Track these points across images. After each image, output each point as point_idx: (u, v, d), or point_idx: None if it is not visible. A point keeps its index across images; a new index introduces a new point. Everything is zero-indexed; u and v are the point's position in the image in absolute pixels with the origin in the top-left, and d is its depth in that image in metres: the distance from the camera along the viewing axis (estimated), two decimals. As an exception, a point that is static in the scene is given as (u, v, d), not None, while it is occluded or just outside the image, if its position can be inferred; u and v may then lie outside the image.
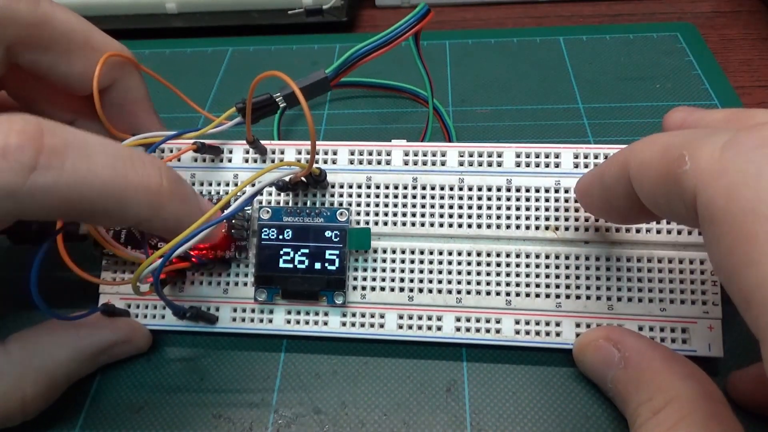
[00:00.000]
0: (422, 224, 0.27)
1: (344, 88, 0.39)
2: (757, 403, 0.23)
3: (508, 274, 0.26)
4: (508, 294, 0.26)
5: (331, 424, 0.25)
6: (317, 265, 0.26)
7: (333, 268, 0.26)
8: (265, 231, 0.27)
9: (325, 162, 0.28)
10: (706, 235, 0.16)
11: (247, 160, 0.28)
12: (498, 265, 0.26)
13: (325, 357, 0.27)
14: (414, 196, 0.27)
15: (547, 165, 0.26)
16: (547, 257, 0.26)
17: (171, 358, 0.27)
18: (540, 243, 0.26)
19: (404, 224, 0.27)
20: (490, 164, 0.27)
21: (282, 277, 0.26)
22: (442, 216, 0.27)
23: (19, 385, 0.22)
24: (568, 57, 0.41)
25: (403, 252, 0.27)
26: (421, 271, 0.26)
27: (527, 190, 0.26)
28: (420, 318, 0.26)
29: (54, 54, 0.25)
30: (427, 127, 0.33)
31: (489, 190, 0.27)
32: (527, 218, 0.26)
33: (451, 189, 0.27)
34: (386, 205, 0.27)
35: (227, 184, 0.28)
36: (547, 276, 0.26)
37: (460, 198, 0.27)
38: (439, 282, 0.26)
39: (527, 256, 0.26)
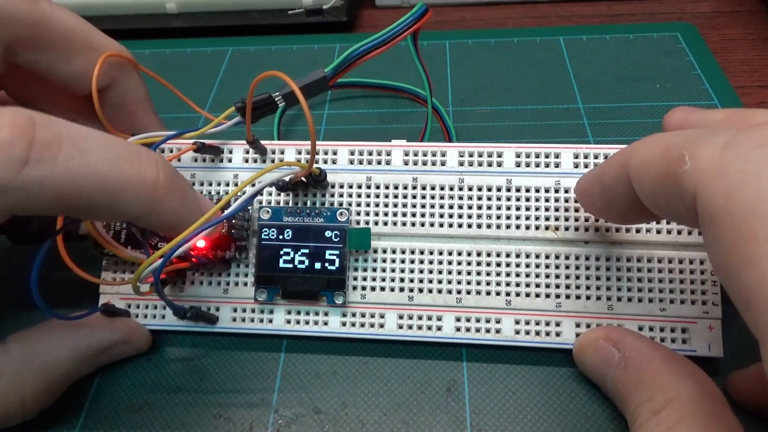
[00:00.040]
0: (422, 224, 0.27)
1: (344, 89, 0.39)
2: (757, 403, 0.23)
3: (508, 274, 0.26)
4: (508, 294, 0.26)
5: (331, 424, 0.25)
6: (317, 265, 0.26)
7: (333, 268, 0.26)
8: (265, 231, 0.27)
9: (325, 162, 0.28)
10: (706, 235, 0.16)
11: (247, 160, 0.28)
12: (498, 265, 0.26)
13: (325, 357, 0.27)
14: (414, 196, 0.27)
15: (547, 165, 0.26)
16: (547, 257, 0.26)
17: (171, 358, 0.27)
18: (540, 243, 0.26)
19: (404, 224, 0.27)
20: (490, 164, 0.27)
21: (282, 277, 0.26)
22: (442, 216, 0.27)
23: (18, 385, 0.22)
24: (568, 57, 0.41)
25: (403, 252, 0.27)
26: (421, 271, 0.26)
27: (527, 190, 0.26)
28: (420, 318, 0.26)
29: (53, 54, 0.25)
30: (426, 126, 0.33)
31: (489, 190, 0.27)
32: (527, 218, 0.26)
33: (451, 189, 0.27)
34: (386, 205, 0.27)
35: (227, 184, 0.28)
36: (547, 276, 0.26)
37: (460, 198, 0.27)
38: (439, 282, 0.26)
39: (527, 256, 0.26)
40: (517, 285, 0.26)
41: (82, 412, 0.26)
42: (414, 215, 0.27)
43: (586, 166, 0.26)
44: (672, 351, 0.23)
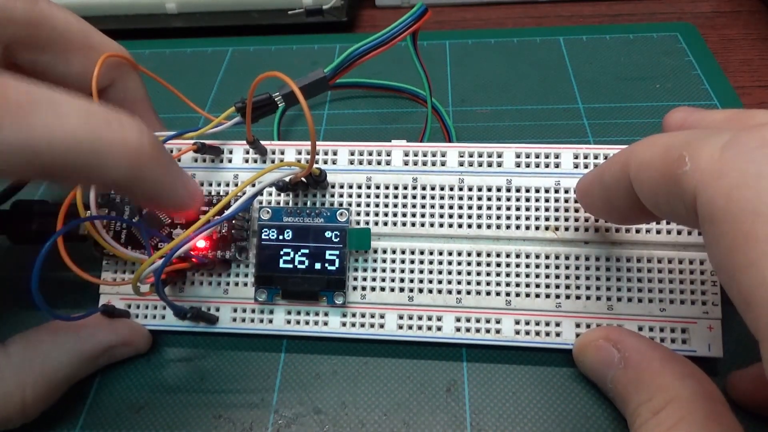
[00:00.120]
0: (422, 224, 0.27)
1: (344, 89, 0.39)
2: (757, 403, 0.23)
3: (508, 275, 0.26)
4: (508, 294, 0.26)
5: (331, 424, 0.25)
6: (317, 266, 0.26)
7: (333, 268, 0.26)
8: (265, 231, 0.27)
9: (325, 162, 0.28)
10: (706, 236, 0.16)
11: (247, 161, 0.28)
12: (498, 265, 0.26)
13: (325, 357, 0.27)
14: (414, 196, 0.27)
15: (547, 165, 0.26)
16: (547, 257, 0.26)
17: (171, 358, 0.27)
18: (540, 243, 0.26)
19: (404, 224, 0.27)
20: (490, 164, 0.27)
21: (282, 277, 0.26)
22: (442, 216, 0.27)
23: (19, 387, 0.22)
24: (568, 57, 0.41)
25: (403, 252, 0.27)
26: (421, 272, 0.26)
27: (527, 191, 0.26)
28: (420, 318, 0.26)
29: (52, 54, 0.25)
30: (426, 126, 0.33)
31: (489, 190, 0.27)
32: (527, 218, 0.26)
33: (451, 189, 0.27)
34: (386, 205, 0.27)
35: (227, 185, 0.28)
36: (547, 276, 0.26)
37: (460, 198, 0.27)
38: (439, 282, 0.26)
39: (527, 257, 0.26)
40: (517, 285, 0.26)
41: (83, 412, 0.26)
42: (414, 215, 0.27)
43: (586, 166, 0.26)
44: (672, 351, 0.23)
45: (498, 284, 0.26)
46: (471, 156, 0.27)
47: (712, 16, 0.45)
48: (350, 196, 0.27)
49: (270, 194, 0.28)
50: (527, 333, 0.25)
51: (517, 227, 0.26)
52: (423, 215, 0.27)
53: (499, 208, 0.26)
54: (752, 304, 0.14)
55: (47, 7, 0.24)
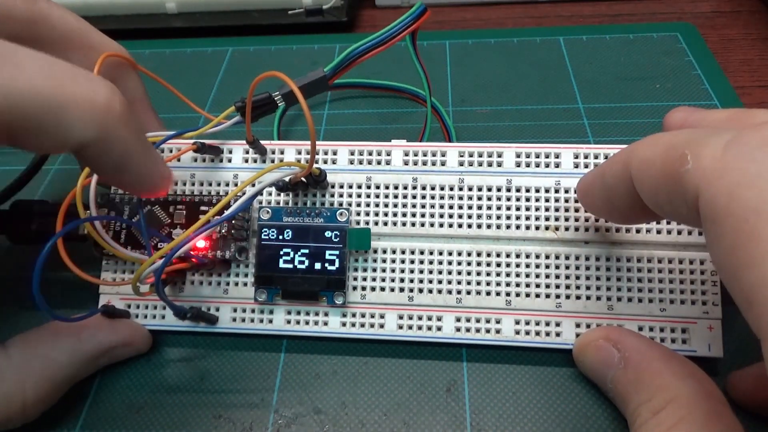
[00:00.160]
0: (422, 224, 0.27)
1: (344, 89, 0.39)
2: (757, 403, 0.23)
3: (508, 275, 0.26)
4: (508, 294, 0.26)
5: (331, 424, 0.25)
6: (317, 266, 0.26)
7: (333, 268, 0.26)
8: (265, 231, 0.26)
9: (325, 162, 0.28)
10: (707, 235, 0.16)
11: (247, 160, 0.28)
12: (498, 265, 0.26)
13: (325, 357, 0.27)
14: (414, 196, 0.27)
15: (547, 165, 0.26)
16: (547, 257, 0.26)
17: (171, 358, 0.27)
18: (540, 243, 0.26)
19: (404, 224, 0.27)
20: (490, 164, 0.27)
21: (282, 277, 0.26)
22: (442, 216, 0.27)
23: (20, 388, 0.22)
24: (568, 57, 0.41)
25: (403, 252, 0.26)
26: (421, 272, 0.26)
27: (527, 190, 0.26)
28: (420, 318, 0.26)
29: (51, 53, 0.25)
30: (425, 126, 0.33)
31: (489, 190, 0.27)
32: (527, 218, 0.26)
33: (451, 189, 0.27)
34: (386, 205, 0.27)
35: (227, 185, 0.28)
36: (547, 276, 0.26)
37: (460, 198, 0.27)
38: (439, 282, 0.26)
39: (527, 257, 0.26)
40: (517, 285, 0.26)
41: (83, 412, 0.26)
42: (414, 215, 0.27)
43: (586, 166, 0.26)
44: (672, 351, 0.23)
45: (498, 284, 0.26)
46: (471, 156, 0.27)
47: (712, 16, 0.45)
48: (350, 196, 0.27)
49: (270, 194, 0.27)
50: (527, 333, 0.25)
51: (517, 227, 0.26)
52: (423, 215, 0.27)
53: (499, 208, 0.26)
54: (754, 303, 0.14)
55: (46, 6, 0.24)
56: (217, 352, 0.27)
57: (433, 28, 0.46)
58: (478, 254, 0.26)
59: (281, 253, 0.26)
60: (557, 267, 0.26)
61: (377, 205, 0.27)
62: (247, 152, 0.28)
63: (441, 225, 0.26)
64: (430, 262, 0.26)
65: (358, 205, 0.27)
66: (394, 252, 0.27)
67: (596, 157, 0.26)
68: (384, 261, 0.27)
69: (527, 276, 0.26)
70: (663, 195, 0.18)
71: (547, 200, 0.26)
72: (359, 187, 0.27)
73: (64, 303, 0.28)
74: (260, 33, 0.47)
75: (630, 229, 0.26)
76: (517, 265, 0.26)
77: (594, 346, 0.24)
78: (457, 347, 0.27)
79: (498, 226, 0.26)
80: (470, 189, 0.27)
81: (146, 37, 0.47)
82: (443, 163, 0.27)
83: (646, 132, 0.35)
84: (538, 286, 0.26)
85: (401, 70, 0.39)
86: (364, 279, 0.27)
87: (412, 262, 0.26)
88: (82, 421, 0.25)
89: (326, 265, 0.26)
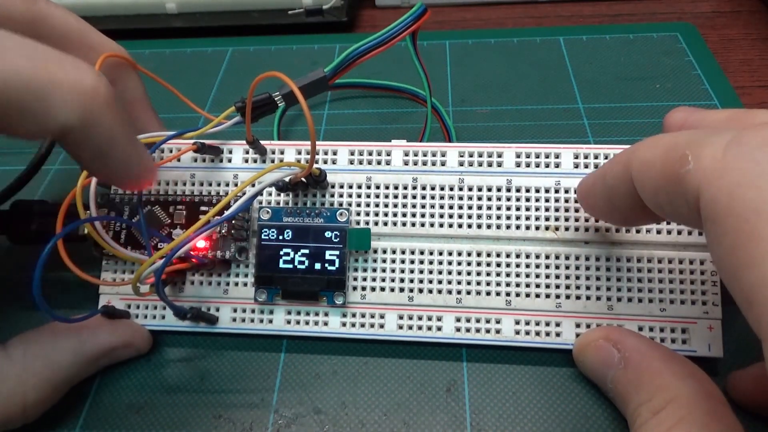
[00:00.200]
0: (422, 224, 0.27)
1: (344, 89, 0.39)
2: (757, 403, 0.23)
3: (508, 275, 0.26)
4: (508, 294, 0.26)
5: (331, 424, 0.25)
6: (317, 266, 0.26)
7: (333, 268, 0.26)
8: (265, 231, 0.26)
9: (325, 162, 0.28)
10: (708, 235, 0.16)
11: (247, 161, 0.28)
12: (498, 265, 0.26)
13: (325, 357, 0.27)
14: (414, 196, 0.27)
15: (547, 165, 0.26)
16: (547, 257, 0.26)
17: (171, 358, 0.27)
18: (540, 243, 0.26)
19: (404, 224, 0.27)
20: (490, 164, 0.27)
21: (282, 277, 0.26)
22: (442, 216, 0.27)
23: (20, 389, 0.22)
24: (568, 57, 0.41)
25: (403, 252, 0.26)
26: (421, 272, 0.26)
27: (527, 190, 0.26)
28: (420, 318, 0.26)
29: None
30: (425, 126, 0.33)
31: (489, 190, 0.27)
32: (527, 218, 0.26)
33: (451, 189, 0.27)
34: (386, 205, 0.27)
35: (227, 185, 0.28)
36: (547, 276, 0.26)
37: (460, 198, 0.27)
38: (439, 282, 0.26)
39: (527, 257, 0.26)
40: (517, 285, 0.26)
41: (83, 413, 0.26)
42: (414, 215, 0.27)
43: (586, 166, 0.26)
44: (672, 351, 0.23)
45: (498, 284, 0.26)
46: (471, 156, 0.27)
47: (712, 16, 0.45)
48: (350, 196, 0.27)
49: (270, 194, 0.27)
50: (527, 333, 0.25)
51: (517, 227, 0.26)
52: (423, 215, 0.27)
53: (499, 208, 0.26)
54: (754, 303, 0.14)
55: (46, 6, 0.24)
56: (217, 352, 0.27)
57: (433, 28, 0.46)
58: (478, 254, 0.26)
59: (281, 253, 0.26)
60: (557, 267, 0.26)
61: (377, 205, 0.27)
62: (247, 152, 0.28)
63: (441, 225, 0.26)
64: (430, 262, 0.26)
65: (358, 205, 0.27)
66: (394, 252, 0.27)
67: (596, 157, 0.26)
68: (384, 261, 0.27)
69: (527, 276, 0.26)
70: (664, 196, 0.18)
71: (547, 200, 0.26)
72: (359, 187, 0.27)
73: (64, 303, 0.29)
74: (260, 33, 0.47)
75: (630, 229, 0.26)
76: (517, 265, 0.26)
77: (594, 346, 0.24)
78: (457, 347, 0.27)
79: (498, 226, 0.26)
80: (470, 189, 0.27)
81: (146, 37, 0.47)
82: (443, 163, 0.27)
83: (647, 132, 0.35)
84: (538, 286, 0.26)
85: (401, 70, 0.39)
86: (364, 279, 0.27)
87: (412, 262, 0.26)
88: (82, 421, 0.25)
89: (326, 265, 0.26)
